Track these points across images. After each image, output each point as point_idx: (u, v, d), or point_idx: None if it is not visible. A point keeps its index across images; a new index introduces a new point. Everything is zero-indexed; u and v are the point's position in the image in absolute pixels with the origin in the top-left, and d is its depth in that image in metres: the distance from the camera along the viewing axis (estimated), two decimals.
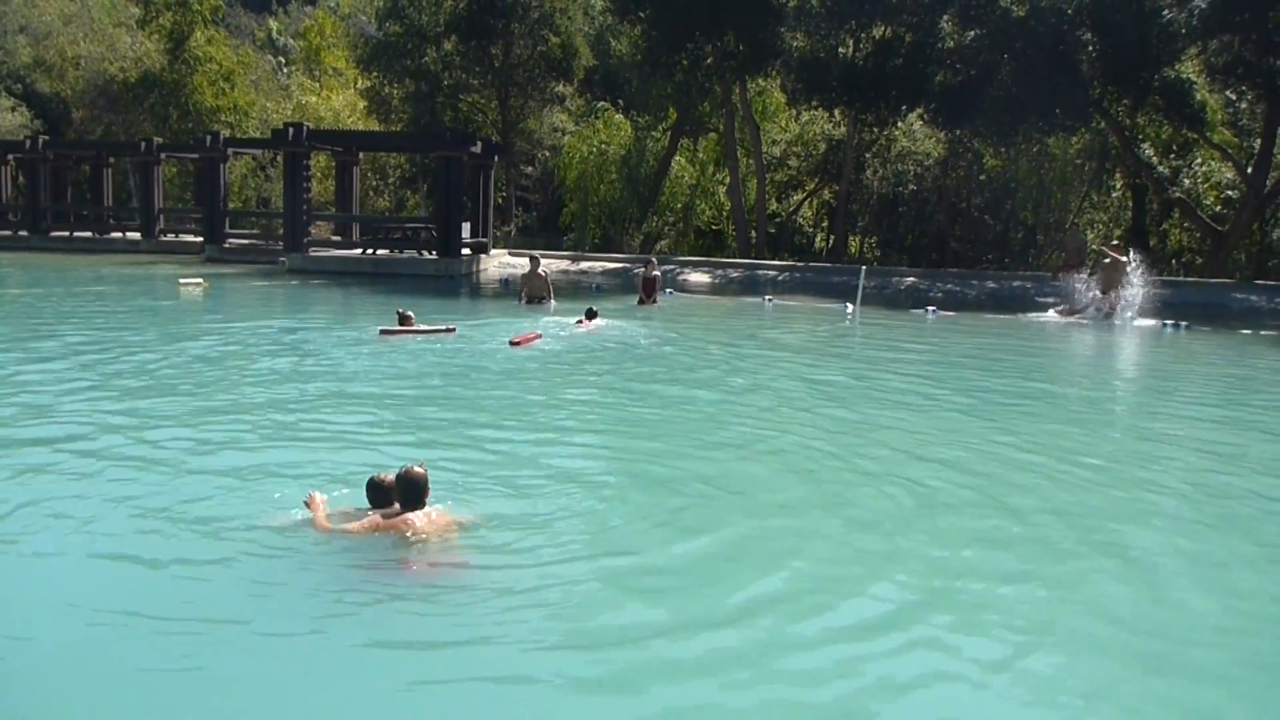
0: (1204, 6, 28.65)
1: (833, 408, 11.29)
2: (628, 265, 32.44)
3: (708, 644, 5.10)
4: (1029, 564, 6.41)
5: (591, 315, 17.51)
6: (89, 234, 39.34)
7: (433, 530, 6.14)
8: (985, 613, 5.67)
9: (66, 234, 38.96)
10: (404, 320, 15.64)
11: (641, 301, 22.42)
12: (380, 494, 6.32)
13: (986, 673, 4.93)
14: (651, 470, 8.22)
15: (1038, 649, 5.28)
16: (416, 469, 6.23)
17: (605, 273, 31.75)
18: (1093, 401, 12.80)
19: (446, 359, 13.62)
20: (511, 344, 14.65)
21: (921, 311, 23.41)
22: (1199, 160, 35.87)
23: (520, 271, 31.76)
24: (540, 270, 21.77)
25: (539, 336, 15.54)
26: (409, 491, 6.16)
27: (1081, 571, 6.30)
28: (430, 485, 6.25)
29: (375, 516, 6.20)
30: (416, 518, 6.12)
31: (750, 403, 11.66)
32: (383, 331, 15.28)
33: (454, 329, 15.96)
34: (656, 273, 23.66)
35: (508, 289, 27.66)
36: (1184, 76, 31.06)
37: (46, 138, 41.05)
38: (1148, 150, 35.24)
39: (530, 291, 21.40)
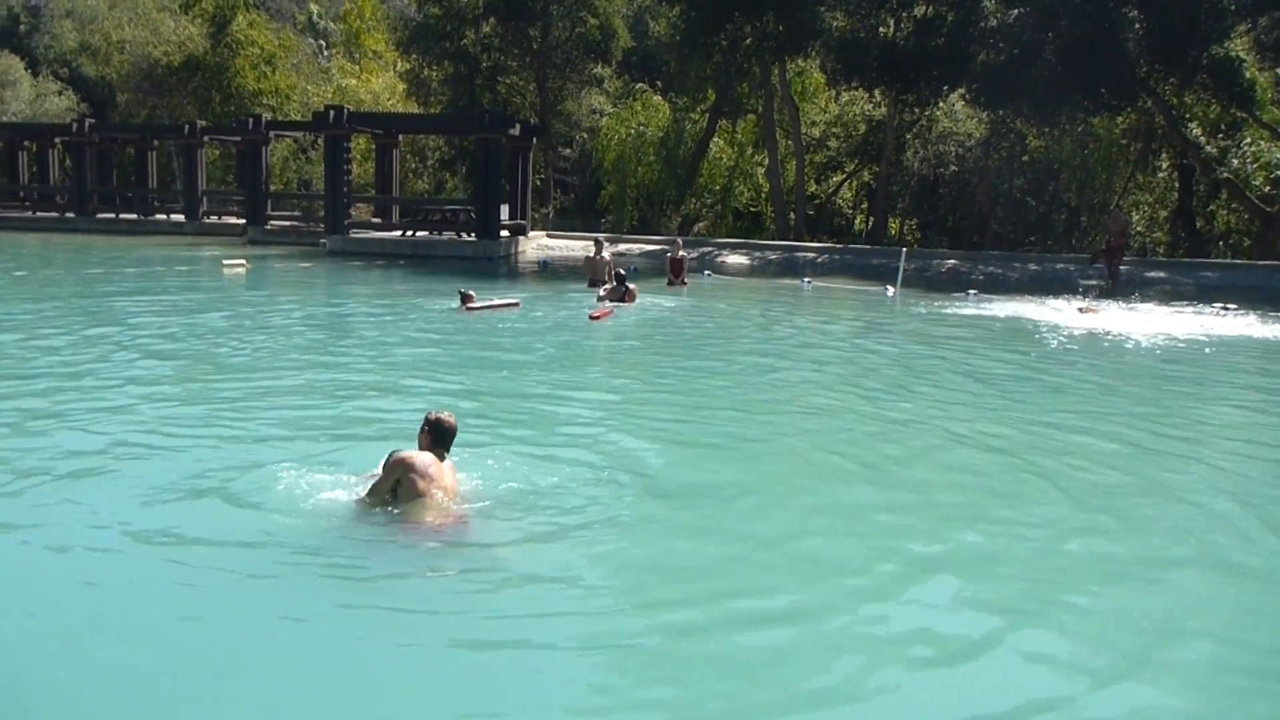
0: None
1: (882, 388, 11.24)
2: (666, 247, 32.43)
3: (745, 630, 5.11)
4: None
5: (621, 279, 18.52)
6: (134, 216, 39.86)
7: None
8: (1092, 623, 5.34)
9: (112, 215, 39.50)
10: (466, 298, 16.62)
11: (670, 283, 22.40)
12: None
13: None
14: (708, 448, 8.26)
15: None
16: (451, 418, 6.42)
17: (643, 254, 31.73)
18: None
19: (535, 333, 14.70)
20: (591, 318, 15.96)
21: (963, 294, 23.21)
22: (1248, 140, 35.15)
23: (555, 253, 32.01)
24: (604, 253, 21.78)
25: (611, 312, 16.65)
26: (442, 437, 6.33)
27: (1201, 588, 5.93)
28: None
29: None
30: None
31: (790, 384, 11.63)
32: (468, 308, 16.38)
33: (518, 303, 17.36)
34: (684, 253, 23.68)
35: (545, 270, 27.74)
36: (1233, 54, 30.47)
37: (92, 121, 41.59)
38: (1195, 130, 34.62)
39: (593, 275, 21.37)
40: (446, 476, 6.22)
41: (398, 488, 6.08)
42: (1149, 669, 4.80)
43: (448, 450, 6.34)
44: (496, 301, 17.30)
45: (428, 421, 6.33)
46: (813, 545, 6.22)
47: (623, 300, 18.04)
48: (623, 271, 19.42)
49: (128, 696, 4.26)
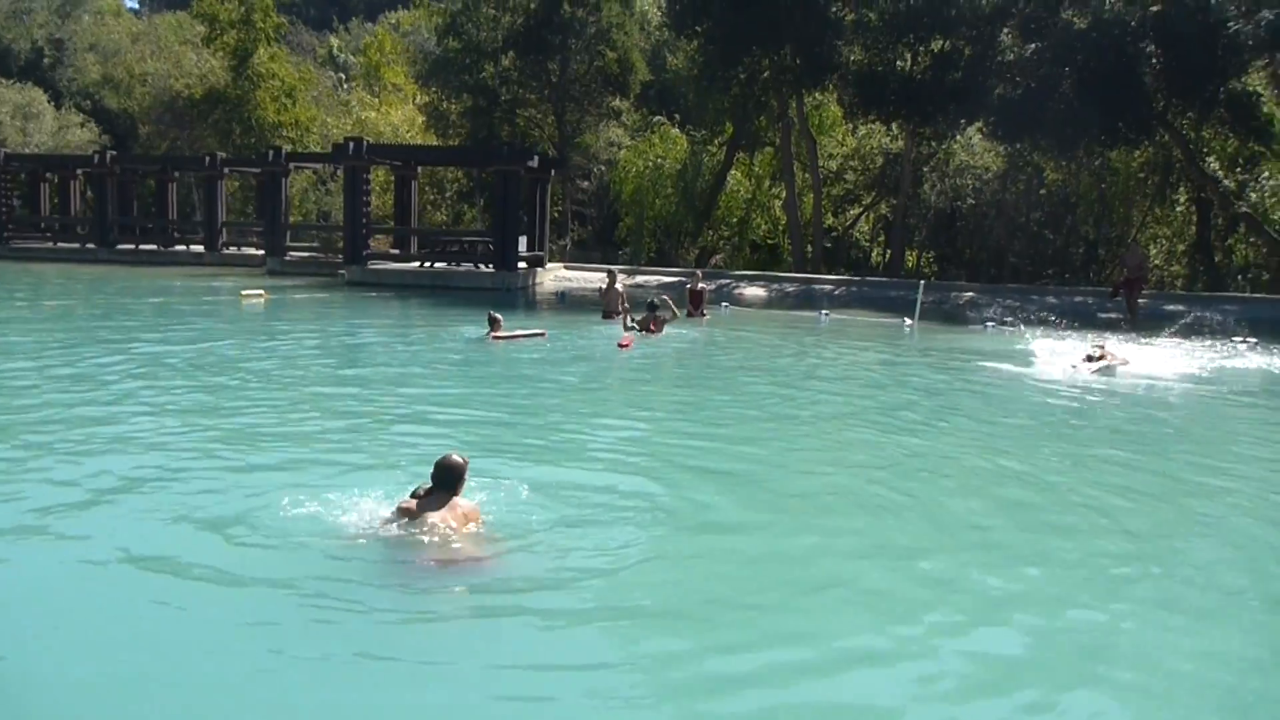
0: (1271, 17, 28.02)
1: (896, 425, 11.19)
2: (683, 279, 32.42)
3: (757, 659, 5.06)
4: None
5: (654, 307, 18.94)
6: (154, 246, 40.17)
7: (443, 523, 6.19)
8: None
9: (132, 246, 39.82)
10: (494, 322, 16.83)
11: (690, 314, 22.42)
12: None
13: None
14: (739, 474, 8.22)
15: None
16: (454, 456, 6.40)
17: (660, 286, 31.74)
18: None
19: (559, 363, 14.98)
20: (620, 345, 16.48)
21: (980, 326, 23.14)
22: (1266, 174, 35.09)
23: (573, 285, 32.06)
24: (618, 285, 21.88)
25: (632, 342, 16.97)
26: (436, 477, 6.31)
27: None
28: (464, 476, 6.37)
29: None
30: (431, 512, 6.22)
31: (811, 416, 11.59)
32: (494, 336, 16.67)
33: (544, 333, 17.61)
34: (703, 285, 23.77)
35: (564, 301, 27.79)
36: (1251, 89, 30.48)
37: (114, 153, 42.04)
38: (1213, 164, 34.58)
39: (607, 305, 21.45)
40: (430, 512, 6.19)
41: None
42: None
43: (447, 489, 6.28)
44: (521, 332, 17.44)
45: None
46: (859, 582, 6.11)
47: (649, 330, 18.29)
48: (656, 301, 19.60)
49: None
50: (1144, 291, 26.76)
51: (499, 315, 17.19)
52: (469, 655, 4.94)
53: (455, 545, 6.10)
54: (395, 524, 6.22)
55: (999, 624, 5.51)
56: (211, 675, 4.64)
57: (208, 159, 38.24)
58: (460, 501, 6.32)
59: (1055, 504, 7.83)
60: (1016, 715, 4.60)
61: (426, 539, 6.08)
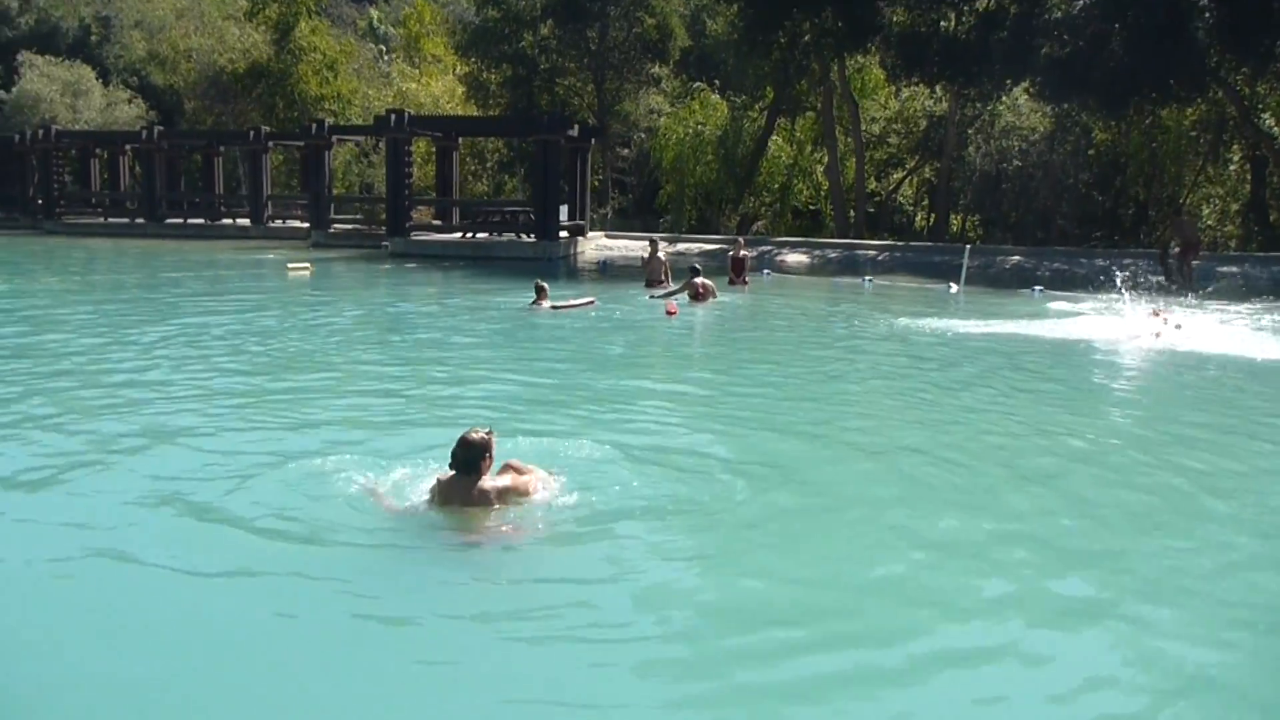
0: None
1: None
2: (724, 246, 32.30)
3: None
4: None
5: (696, 272, 18.94)
6: (201, 220, 40.66)
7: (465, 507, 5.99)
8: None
9: (180, 221, 40.34)
10: (541, 291, 17.02)
11: (732, 281, 22.31)
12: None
13: None
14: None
15: None
16: (470, 434, 6.05)
17: (702, 254, 31.63)
18: None
19: (605, 331, 15.21)
20: (667, 313, 16.61)
21: (1028, 291, 22.85)
22: None
23: (614, 254, 32.05)
24: (660, 254, 21.89)
25: (677, 309, 17.01)
26: (456, 457, 6.03)
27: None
28: (486, 453, 6.02)
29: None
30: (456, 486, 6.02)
31: (851, 390, 11.52)
32: (553, 306, 16.87)
33: (595, 301, 17.84)
34: (745, 252, 23.65)
35: (605, 270, 27.80)
36: None
37: (161, 128, 42.57)
38: (1268, 120, 33.74)
39: (650, 274, 21.48)
40: (449, 493, 6.01)
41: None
42: None
43: (469, 470, 5.97)
44: (573, 301, 17.59)
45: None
46: (928, 572, 5.70)
47: (697, 298, 18.36)
48: (697, 266, 19.73)
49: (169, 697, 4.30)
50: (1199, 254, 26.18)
51: (546, 284, 17.32)
52: (494, 651, 4.75)
53: (480, 533, 5.89)
54: (422, 508, 6.07)
55: (1073, 630, 5.12)
56: (227, 667, 4.57)
57: (252, 133, 38.56)
58: (487, 483, 6.01)
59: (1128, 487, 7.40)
60: None
61: (448, 528, 5.91)
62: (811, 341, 15.24)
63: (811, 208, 43.22)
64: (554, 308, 16.81)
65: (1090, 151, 38.52)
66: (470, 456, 5.96)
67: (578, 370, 11.68)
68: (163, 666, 4.49)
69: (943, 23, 34.24)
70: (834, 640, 4.89)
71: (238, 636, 4.80)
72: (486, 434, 6.08)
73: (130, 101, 54.63)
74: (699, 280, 18.68)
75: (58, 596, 5.22)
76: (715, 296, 18.71)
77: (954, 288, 23.11)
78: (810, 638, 4.89)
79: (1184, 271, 24.52)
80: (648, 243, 23.59)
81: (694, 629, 5.01)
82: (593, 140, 35.87)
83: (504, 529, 5.94)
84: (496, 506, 6.00)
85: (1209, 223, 37.77)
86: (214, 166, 42.15)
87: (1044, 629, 5.03)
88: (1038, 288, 23.09)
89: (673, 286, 19.59)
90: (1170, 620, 5.16)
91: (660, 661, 4.63)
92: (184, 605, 5.10)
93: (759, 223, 42.43)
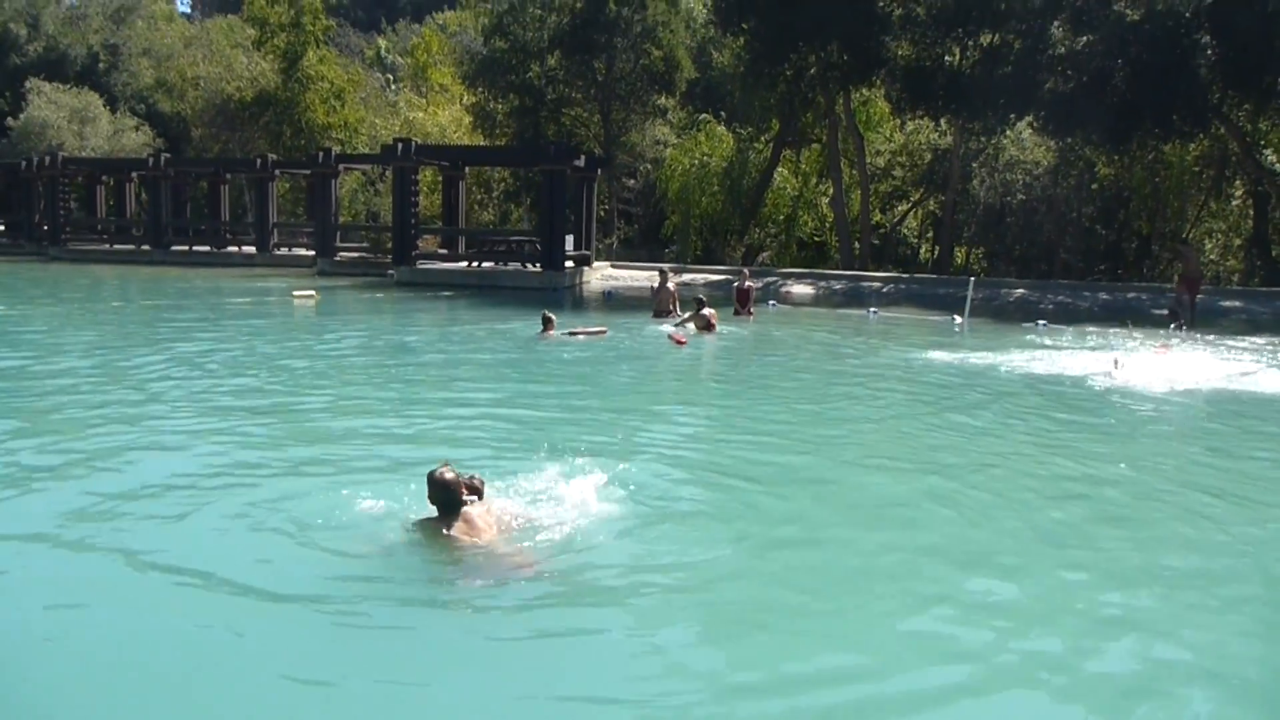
0: None
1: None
2: (730, 277, 32.38)
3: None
4: None
5: (702, 304, 19.04)
6: (207, 248, 40.77)
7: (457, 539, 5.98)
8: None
9: (186, 248, 40.46)
10: (547, 322, 17.32)
11: (737, 312, 22.36)
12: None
13: None
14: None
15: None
16: (439, 473, 6.06)
17: (707, 284, 31.68)
18: None
19: (611, 362, 15.27)
20: (677, 342, 17.02)
21: (1031, 324, 22.87)
22: None
23: (620, 284, 32.11)
24: (669, 284, 21.93)
25: (686, 339, 17.41)
26: (433, 498, 6.05)
27: None
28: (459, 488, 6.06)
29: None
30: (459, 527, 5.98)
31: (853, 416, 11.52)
32: (570, 332, 17.47)
33: (606, 331, 18.06)
34: (750, 283, 23.75)
35: (611, 300, 27.84)
36: None
37: (168, 155, 42.66)
38: (1270, 156, 33.92)
39: (658, 305, 21.51)
40: (473, 525, 5.98)
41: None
42: None
43: (449, 509, 6.00)
44: (584, 330, 17.90)
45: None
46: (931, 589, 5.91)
47: (706, 330, 18.50)
48: (702, 298, 19.72)
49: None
50: (1201, 287, 26.16)
51: (553, 315, 17.50)
52: (504, 671, 4.85)
53: (478, 559, 5.90)
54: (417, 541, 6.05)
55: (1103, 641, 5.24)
56: (224, 686, 4.62)
57: (259, 161, 38.74)
58: (468, 513, 6.02)
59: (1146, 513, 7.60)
60: None
61: (445, 559, 5.91)
62: (817, 369, 15.27)
63: (816, 239, 43.32)
64: (570, 333, 17.13)
65: (1094, 186, 38.65)
66: (450, 495, 5.99)
67: (585, 398, 11.73)
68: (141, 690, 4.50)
69: (947, 57, 34.47)
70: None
71: (219, 675, 4.80)
72: (455, 475, 6.09)
73: (137, 129, 54.88)
74: (708, 311, 18.80)
75: (50, 613, 5.26)
76: (715, 330, 18.73)
77: (958, 320, 23.13)
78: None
79: (1182, 302, 24.32)
80: (657, 273, 23.66)
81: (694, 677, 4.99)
82: (599, 170, 36.02)
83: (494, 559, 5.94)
84: (484, 536, 6.02)
85: (1212, 257, 37.86)
86: (220, 194, 42.30)
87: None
88: (1041, 321, 23.10)
89: (682, 315, 19.71)
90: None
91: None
92: (167, 644, 5.07)
93: (764, 254, 42.51)
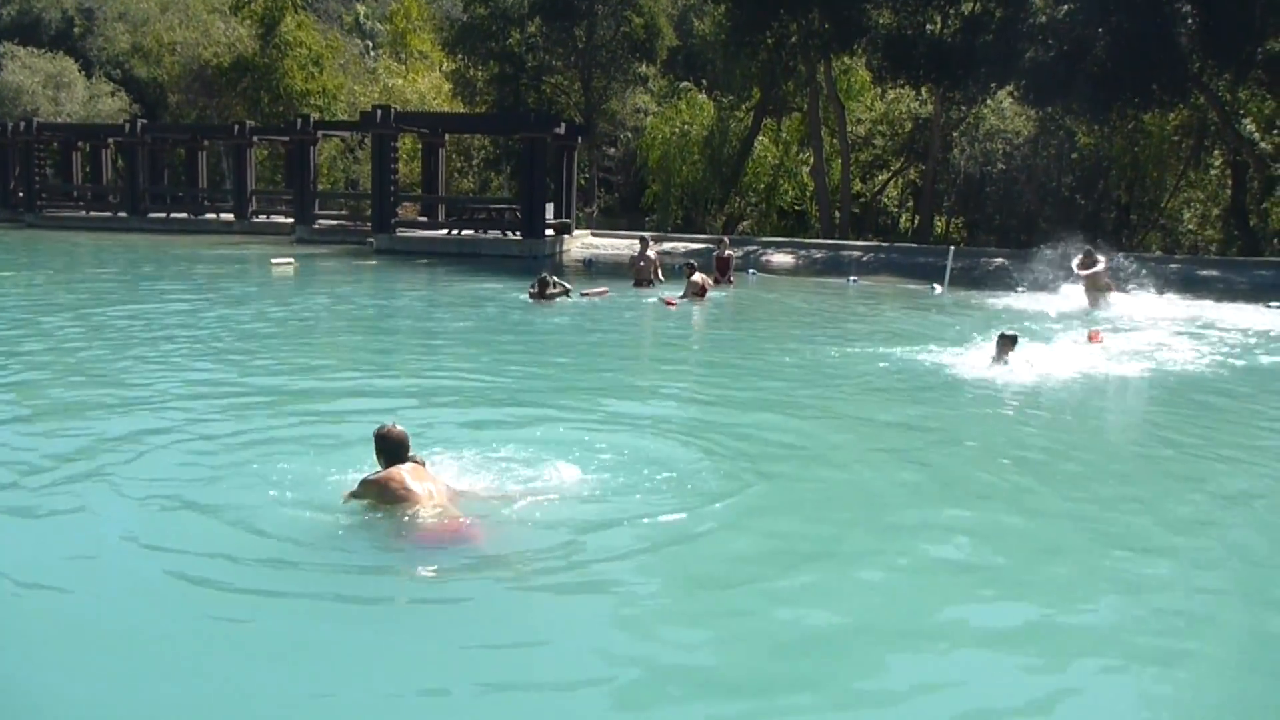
0: None
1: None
2: (710, 245, 32.35)
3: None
4: None
5: (693, 269, 19.76)
6: (184, 215, 40.42)
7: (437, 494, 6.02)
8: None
9: (163, 215, 40.07)
10: (543, 284, 17.92)
11: (717, 280, 22.41)
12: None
13: None
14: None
15: None
16: (395, 428, 6.14)
17: (687, 253, 31.64)
18: None
19: (588, 328, 15.38)
20: (666, 304, 18.11)
21: (1008, 291, 23.01)
22: None
23: (600, 252, 32.06)
24: (650, 252, 21.93)
25: (676, 301, 18.42)
26: (383, 449, 6.08)
27: None
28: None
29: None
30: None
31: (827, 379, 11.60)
32: (583, 294, 18.53)
33: (608, 290, 19.21)
34: (730, 252, 23.86)
35: (591, 269, 27.81)
36: None
37: (144, 122, 42.19)
38: (1249, 126, 34.03)
39: (639, 274, 21.50)
40: (421, 485, 5.97)
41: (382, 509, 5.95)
42: None
43: (403, 460, 6.04)
44: (589, 290, 19.03)
45: (375, 438, 6.14)
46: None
47: (696, 297, 18.99)
48: (694, 263, 20.63)
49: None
50: (1176, 256, 26.01)
51: (552, 278, 18.18)
52: (469, 636, 4.89)
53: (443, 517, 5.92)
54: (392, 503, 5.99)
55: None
56: (196, 662, 4.62)
57: (236, 127, 38.37)
58: (415, 467, 6.09)
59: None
60: None
61: (425, 515, 5.90)
62: (794, 338, 15.34)
63: (797, 208, 43.32)
64: (582, 294, 18.24)
65: (1073, 155, 38.76)
66: (406, 444, 6.10)
67: (563, 366, 11.75)
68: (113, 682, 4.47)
69: (929, 26, 34.39)
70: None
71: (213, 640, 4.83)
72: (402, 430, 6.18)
73: (113, 94, 54.26)
74: (699, 277, 19.31)
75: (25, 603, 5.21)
76: (705, 297, 19.15)
77: (938, 288, 23.24)
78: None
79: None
80: (638, 241, 23.65)
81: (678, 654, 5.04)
82: (579, 139, 35.85)
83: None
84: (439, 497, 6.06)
85: (1190, 227, 38.07)
86: (198, 161, 41.89)
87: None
88: (1020, 287, 23.24)
89: (664, 283, 20.10)
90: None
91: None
92: (144, 611, 5.08)
93: (744, 222, 42.51)
